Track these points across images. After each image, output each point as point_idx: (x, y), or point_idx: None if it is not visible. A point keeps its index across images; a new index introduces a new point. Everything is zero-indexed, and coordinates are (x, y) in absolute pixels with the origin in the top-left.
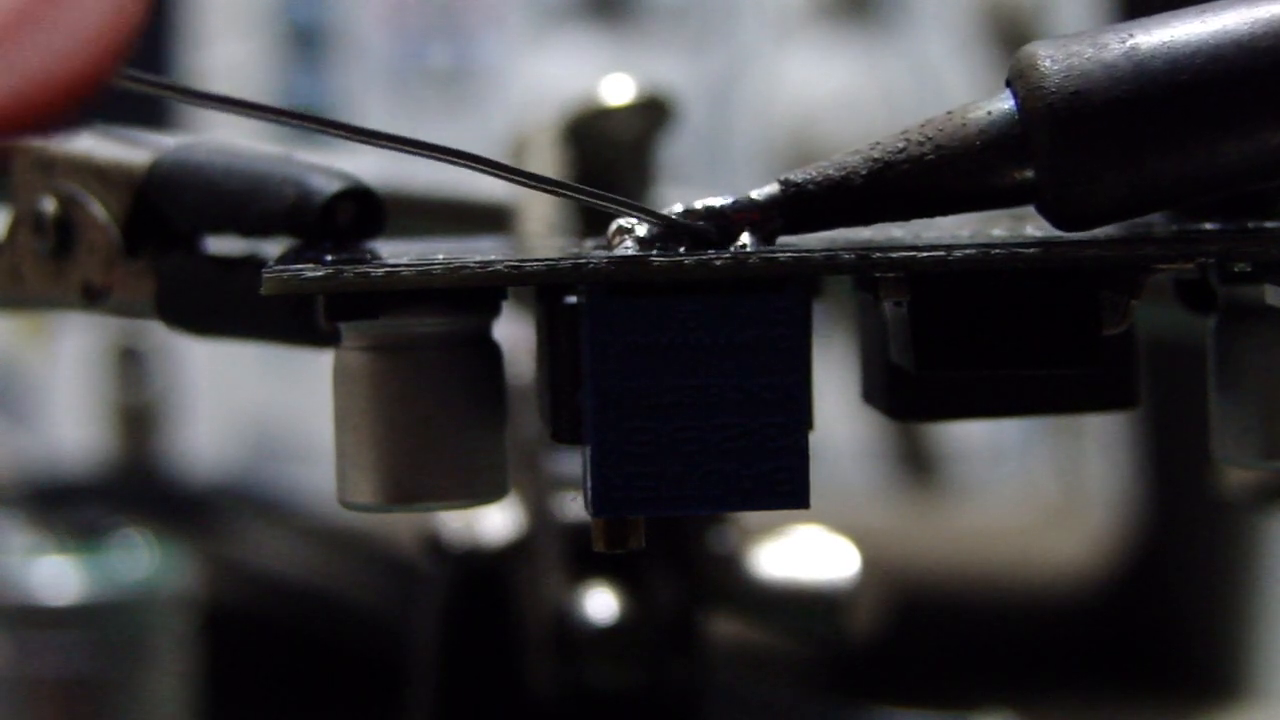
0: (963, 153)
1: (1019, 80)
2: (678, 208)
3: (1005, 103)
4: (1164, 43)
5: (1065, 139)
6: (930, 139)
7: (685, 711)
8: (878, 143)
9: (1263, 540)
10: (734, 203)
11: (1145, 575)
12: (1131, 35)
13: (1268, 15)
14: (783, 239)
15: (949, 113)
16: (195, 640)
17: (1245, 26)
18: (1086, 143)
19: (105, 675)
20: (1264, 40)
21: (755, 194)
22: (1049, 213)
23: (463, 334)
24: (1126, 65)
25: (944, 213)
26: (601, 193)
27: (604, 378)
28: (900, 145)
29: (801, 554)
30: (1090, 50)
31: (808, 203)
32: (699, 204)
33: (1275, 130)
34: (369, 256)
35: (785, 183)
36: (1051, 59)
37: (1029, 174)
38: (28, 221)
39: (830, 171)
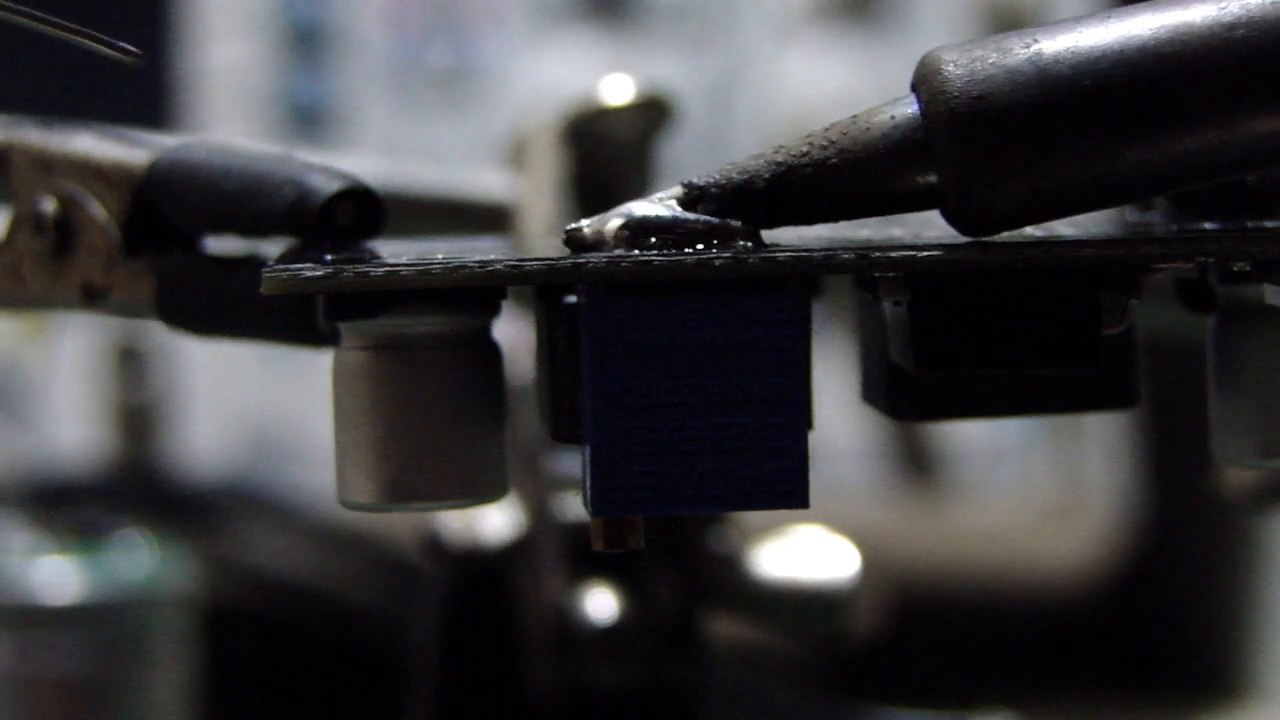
0: (866, 157)
1: (922, 85)
2: (614, 223)
3: (909, 107)
4: (1068, 48)
5: (967, 143)
6: (834, 143)
7: (685, 711)
8: (781, 146)
9: (1263, 540)
10: (640, 215)
11: (1145, 575)
12: (1035, 40)
13: (1172, 22)
14: (782, 239)
15: (853, 117)
16: (195, 640)
17: (1150, 32)
18: (989, 147)
19: (105, 675)
20: (1168, 47)
21: (658, 196)
22: (952, 217)
23: (462, 334)
24: (1030, 70)
25: (848, 217)
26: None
27: (604, 378)
28: (804, 149)
29: (801, 554)
30: (994, 55)
31: (709, 205)
32: (632, 216)
33: (1178, 137)
34: (369, 256)
35: (688, 185)
36: (955, 64)
37: (932, 178)
38: (28, 221)
39: (733, 175)
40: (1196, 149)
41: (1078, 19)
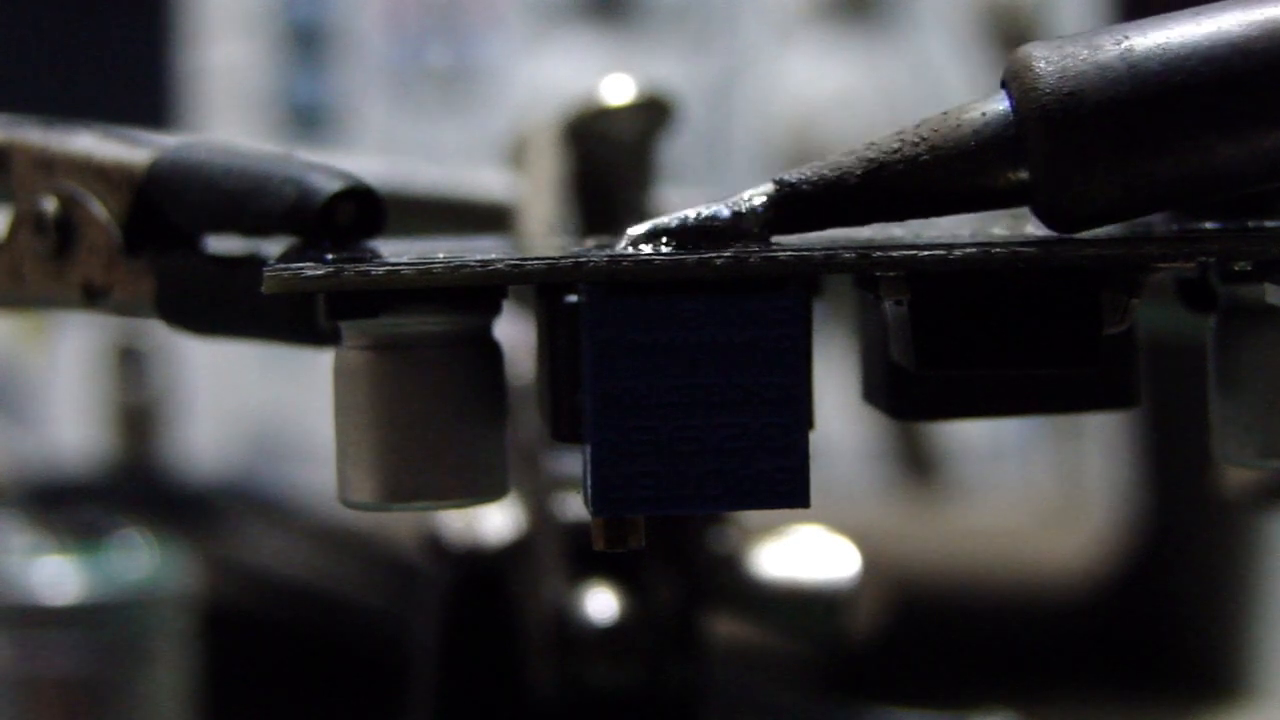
0: (957, 153)
1: (1014, 81)
2: (672, 221)
3: (1000, 104)
4: (1159, 45)
5: (1059, 140)
6: (925, 139)
7: (685, 711)
8: (873, 143)
9: (1263, 540)
10: (731, 214)
11: (1145, 575)
12: (1127, 37)
13: (1262, 18)
14: (782, 239)
15: (944, 113)
16: (195, 640)
17: (1239, 29)
18: (1080, 144)
19: (105, 675)
20: (1258, 43)
21: (750, 194)
22: (1043, 214)
23: (463, 333)
24: (1121, 67)
25: (938, 213)
26: None
27: (604, 377)
28: (895, 145)
29: (801, 554)
30: (1085, 52)
31: (802, 203)
32: (693, 215)
33: (1269, 133)
34: (369, 256)
35: (780, 183)
36: (1046, 60)
37: (1023, 175)
38: (28, 221)
39: (825, 171)
40: None
41: (1168, 15)
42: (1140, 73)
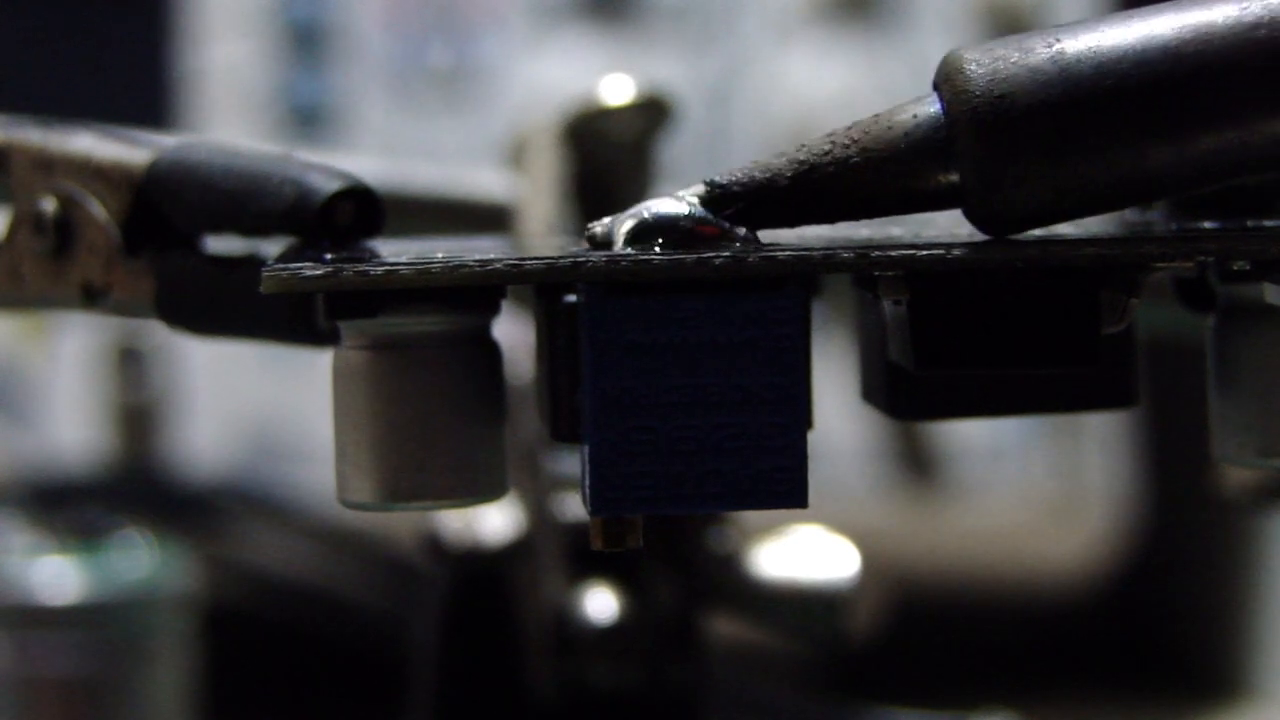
0: (888, 156)
1: (945, 84)
2: (628, 223)
3: (931, 106)
4: (1089, 48)
5: (990, 143)
6: (855, 141)
7: (685, 711)
8: (803, 145)
9: (1263, 540)
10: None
11: (1145, 575)
12: (1058, 40)
13: (1193, 21)
14: (782, 239)
15: (875, 115)
16: (195, 640)
17: (1171, 32)
18: (1011, 147)
19: (105, 675)
20: (1189, 46)
21: (681, 194)
22: (974, 216)
23: (462, 333)
24: (1052, 70)
25: (869, 215)
26: None
27: (603, 377)
28: (826, 147)
29: (801, 554)
30: (1016, 55)
31: (731, 204)
32: (649, 213)
33: (1199, 137)
34: (368, 256)
35: (710, 184)
36: (977, 63)
37: (954, 178)
38: (28, 221)
39: (755, 173)
40: (1219, 149)
41: (1099, 18)
42: (1071, 75)
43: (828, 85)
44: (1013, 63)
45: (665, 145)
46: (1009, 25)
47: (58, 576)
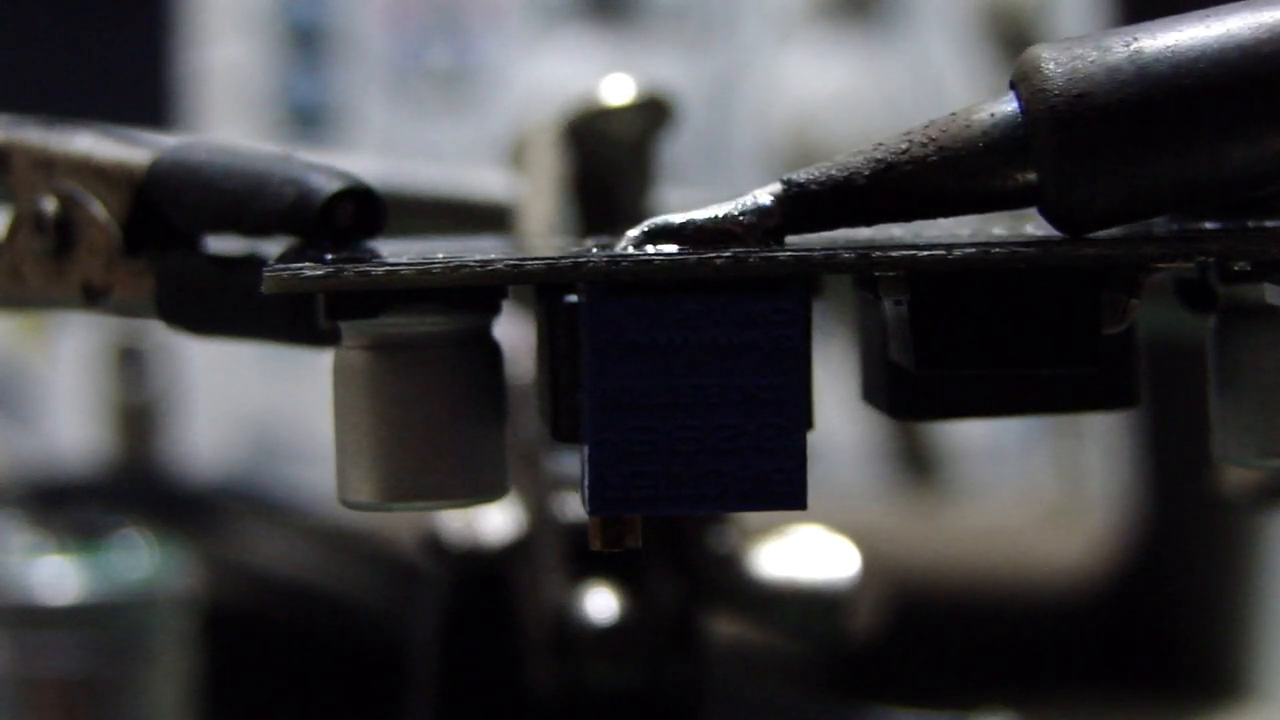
0: (965, 154)
1: (1023, 83)
2: (675, 220)
3: (1009, 105)
4: (1167, 47)
5: (1068, 142)
6: (933, 140)
7: (685, 711)
8: (880, 143)
9: (1263, 540)
10: (739, 213)
11: (1145, 575)
12: (1136, 39)
13: (1271, 21)
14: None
15: (952, 114)
16: (195, 640)
17: (1249, 31)
18: (1089, 146)
19: (105, 675)
20: (1267, 45)
21: (758, 193)
22: (1051, 216)
23: (463, 333)
24: (1130, 69)
25: (946, 214)
26: None
27: (603, 377)
28: (903, 146)
29: (801, 554)
30: (1094, 53)
31: (810, 203)
32: (700, 216)
33: (1277, 136)
34: (369, 256)
35: (788, 183)
36: (1055, 62)
37: (1031, 176)
38: (28, 221)
39: (833, 172)
40: None
41: (1176, 18)
42: (1149, 75)
43: (828, 85)
44: (1090, 61)
45: (665, 145)
46: (1009, 26)
47: (58, 576)
